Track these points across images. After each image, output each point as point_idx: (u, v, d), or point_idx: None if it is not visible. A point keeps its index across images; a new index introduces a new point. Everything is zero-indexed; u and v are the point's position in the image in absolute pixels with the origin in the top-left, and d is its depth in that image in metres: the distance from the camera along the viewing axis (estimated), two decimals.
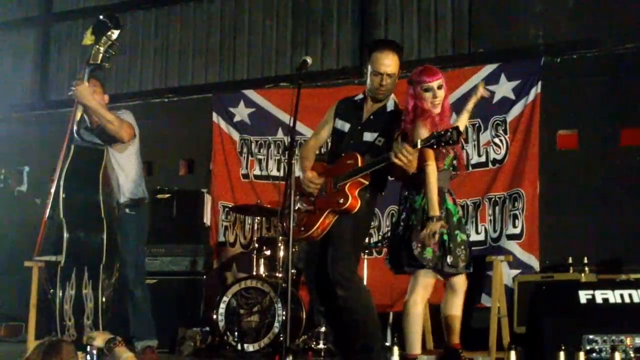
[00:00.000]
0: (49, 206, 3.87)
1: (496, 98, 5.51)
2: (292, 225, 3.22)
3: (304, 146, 3.83)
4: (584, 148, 5.38)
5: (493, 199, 5.45)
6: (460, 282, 3.59)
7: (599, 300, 3.57)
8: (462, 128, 3.73)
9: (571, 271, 4.79)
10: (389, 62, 3.45)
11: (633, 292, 3.55)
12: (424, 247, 3.37)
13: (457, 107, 4.99)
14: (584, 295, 3.59)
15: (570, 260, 4.88)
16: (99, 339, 2.91)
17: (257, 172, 6.33)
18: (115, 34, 3.97)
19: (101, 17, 4.04)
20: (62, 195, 3.78)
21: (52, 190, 3.87)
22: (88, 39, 4.01)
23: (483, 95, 3.87)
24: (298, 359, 4.21)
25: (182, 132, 6.75)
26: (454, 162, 3.57)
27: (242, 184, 6.35)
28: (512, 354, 2.96)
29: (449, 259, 3.38)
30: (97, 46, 3.97)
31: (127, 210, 4.23)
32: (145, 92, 7.09)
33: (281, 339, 4.51)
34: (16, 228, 6.82)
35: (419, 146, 3.22)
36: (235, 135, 6.44)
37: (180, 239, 5.63)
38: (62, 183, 3.80)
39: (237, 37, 6.79)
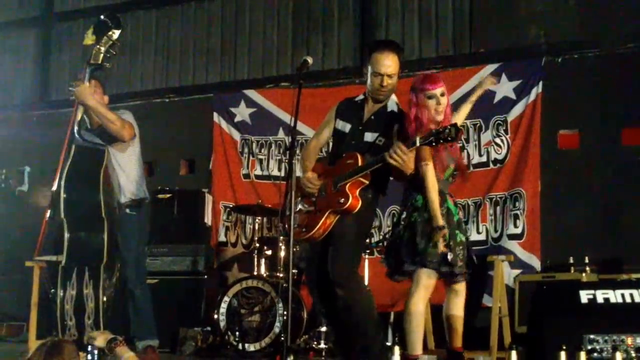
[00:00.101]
0: (50, 206, 3.88)
1: (497, 98, 5.51)
2: (293, 225, 3.22)
3: (305, 147, 3.83)
4: (585, 148, 5.38)
5: (494, 199, 5.44)
6: (460, 290, 3.59)
7: (600, 300, 3.56)
8: (462, 119, 3.73)
9: (572, 271, 4.79)
10: (389, 63, 3.45)
11: (634, 291, 3.55)
12: (427, 244, 3.37)
13: (457, 107, 5.00)
14: (585, 295, 3.59)
15: (571, 260, 4.88)
16: (100, 339, 2.91)
17: (258, 172, 6.33)
18: (116, 33, 3.97)
19: (102, 17, 4.05)
20: (62, 195, 3.78)
21: (53, 190, 3.88)
22: (89, 39, 4.01)
23: (491, 84, 3.85)
24: (299, 358, 4.21)
25: (183, 132, 6.75)
26: (455, 173, 3.57)
27: (243, 184, 6.35)
28: (513, 353, 2.95)
29: (449, 257, 3.38)
30: (98, 46, 3.97)
31: (128, 210, 4.23)
32: (146, 92, 7.09)
33: (282, 338, 4.51)
34: (17, 228, 6.84)
35: (417, 144, 3.22)
36: (236, 135, 6.44)
37: (181, 239, 5.63)
38: (63, 183, 3.81)
39: (238, 37, 6.79)
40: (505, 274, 4.92)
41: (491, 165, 5.51)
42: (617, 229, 5.12)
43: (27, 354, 4.29)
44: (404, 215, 3.54)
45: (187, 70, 6.99)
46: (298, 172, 3.62)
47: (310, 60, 3.47)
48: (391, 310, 5.25)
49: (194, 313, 5.37)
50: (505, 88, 5.48)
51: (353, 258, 3.49)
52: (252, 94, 6.45)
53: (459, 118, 3.71)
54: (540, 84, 5.38)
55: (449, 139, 3.15)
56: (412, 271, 3.48)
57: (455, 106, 3.88)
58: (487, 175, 5.48)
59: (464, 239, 3.51)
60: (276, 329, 4.72)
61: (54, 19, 7.74)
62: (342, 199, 3.37)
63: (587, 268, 4.72)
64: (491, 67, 5.57)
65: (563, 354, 2.90)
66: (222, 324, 4.84)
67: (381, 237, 5.51)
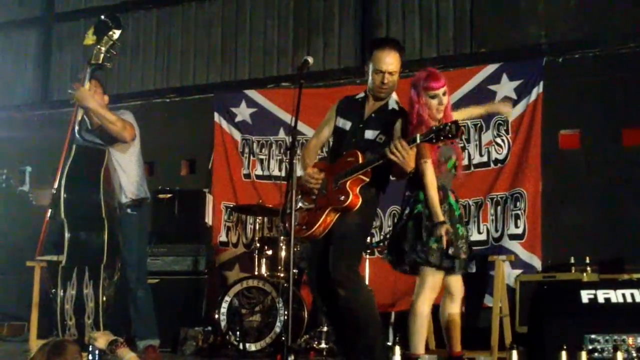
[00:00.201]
0: (51, 205, 3.88)
1: (498, 98, 5.49)
2: (294, 224, 3.22)
3: (305, 146, 3.83)
4: (586, 148, 5.37)
5: (495, 199, 5.44)
6: (458, 286, 3.59)
7: (601, 300, 3.56)
8: (460, 117, 3.71)
9: (573, 271, 4.78)
10: (390, 60, 3.45)
11: (635, 291, 3.55)
12: (428, 238, 3.38)
13: (458, 107, 4.99)
14: (586, 295, 3.59)
15: (572, 260, 4.88)
16: (101, 341, 2.91)
17: (258, 172, 6.33)
18: (116, 33, 3.98)
19: (102, 17, 4.05)
20: (63, 195, 3.78)
21: (54, 190, 3.88)
22: (89, 39, 4.02)
23: (505, 111, 3.83)
24: (300, 358, 4.21)
25: (183, 132, 6.75)
26: (457, 163, 3.57)
27: (243, 184, 6.35)
28: (514, 353, 2.95)
29: (450, 250, 3.38)
30: (99, 46, 3.97)
31: (128, 211, 4.24)
32: (147, 92, 7.09)
33: (283, 338, 4.51)
34: (18, 228, 6.83)
35: (418, 141, 3.22)
36: (237, 135, 6.44)
37: (182, 239, 5.63)
38: (63, 183, 3.81)
39: (239, 37, 6.79)
40: (507, 274, 4.92)
41: (492, 165, 5.50)
42: (617, 228, 5.12)
43: (29, 353, 4.31)
44: (407, 211, 3.53)
45: (187, 70, 6.99)
46: (299, 172, 3.62)
47: (311, 60, 3.47)
48: (392, 310, 5.25)
49: (195, 313, 5.37)
50: (506, 88, 5.48)
51: (354, 257, 3.49)
52: (252, 94, 6.45)
53: (457, 115, 3.69)
54: (541, 84, 5.37)
55: (450, 136, 3.15)
56: (413, 262, 3.47)
57: (455, 107, 3.87)
58: (487, 175, 5.48)
59: (465, 233, 3.52)
60: (277, 329, 4.72)
61: (54, 19, 7.74)
62: (343, 197, 3.37)
63: (588, 268, 4.72)
64: (492, 67, 5.56)
65: (564, 354, 2.90)
66: (223, 323, 4.84)
67: (382, 237, 5.51)
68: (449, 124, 3.15)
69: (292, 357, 3.07)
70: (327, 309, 3.68)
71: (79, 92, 3.96)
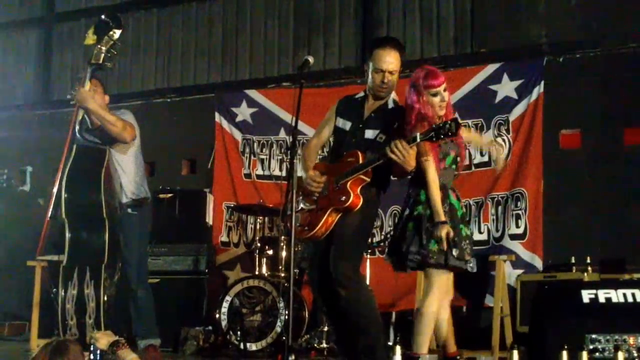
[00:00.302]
0: (51, 206, 3.88)
1: (499, 97, 5.50)
2: (295, 225, 3.22)
3: (305, 146, 3.82)
4: (587, 147, 5.37)
5: (496, 199, 5.44)
6: (450, 286, 3.59)
7: (601, 299, 3.55)
8: (465, 136, 3.70)
9: (574, 270, 4.78)
10: (390, 60, 3.44)
11: (636, 291, 3.54)
12: (428, 240, 3.37)
13: (459, 106, 5.00)
14: (586, 295, 3.58)
15: (573, 260, 4.87)
16: (102, 341, 2.91)
17: (259, 171, 6.33)
18: (117, 33, 3.97)
19: (103, 16, 4.05)
20: (64, 195, 3.78)
21: (55, 190, 3.88)
22: (90, 38, 4.02)
23: (496, 158, 3.78)
24: (300, 358, 4.21)
25: (184, 132, 6.75)
26: (457, 160, 3.57)
27: (244, 184, 6.35)
28: (515, 353, 2.95)
29: (455, 252, 3.38)
30: (99, 46, 3.97)
31: (129, 211, 4.23)
32: (148, 92, 7.09)
33: (284, 338, 4.51)
34: (19, 228, 6.84)
35: (418, 140, 3.22)
36: (238, 135, 6.44)
37: (182, 239, 5.64)
38: (64, 183, 3.81)
39: (239, 37, 6.79)
40: (508, 274, 4.92)
41: (493, 164, 5.49)
42: (618, 228, 5.12)
43: (30, 353, 4.31)
44: (407, 212, 3.53)
45: (188, 70, 6.99)
46: (299, 172, 3.61)
47: (311, 59, 3.47)
48: (393, 310, 5.25)
49: (196, 312, 5.37)
50: (506, 88, 5.48)
51: (355, 257, 3.48)
52: (253, 93, 6.45)
53: (466, 134, 3.66)
54: (542, 83, 5.37)
55: (450, 133, 3.15)
56: (415, 265, 3.47)
57: (455, 107, 3.87)
58: (488, 175, 5.47)
59: (469, 233, 3.51)
60: (278, 329, 4.72)
61: (55, 19, 7.75)
62: (344, 197, 3.37)
63: (589, 267, 4.71)
64: (492, 67, 5.56)
65: (565, 354, 2.89)
66: (224, 323, 4.84)
67: (382, 237, 5.51)
68: (449, 122, 3.15)
69: (293, 356, 3.07)
70: (327, 309, 3.68)
71: (79, 93, 3.95)
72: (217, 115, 6.52)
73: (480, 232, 5.42)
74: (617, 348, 3.05)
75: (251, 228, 6.20)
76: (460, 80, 5.59)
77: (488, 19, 5.81)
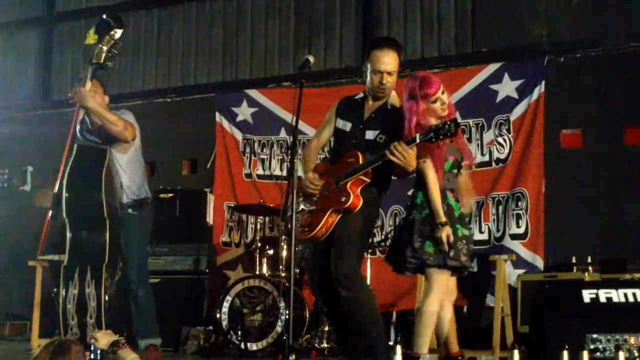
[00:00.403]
0: (52, 205, 3.88)
1: (499, 97, 5.50)
2: (296, 225, 3.22)
3: (306, 147, 3.82)
4: (588, 147, 5.37)
5: (496, 199, 5.44)
6: (451, 286, 3.58)
7: (602, 299, 3.55)
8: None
9: (575, 270, 4.78)
10: (389, 60, 3.44)
11: (637, 291, 3.54)
12: (423, 242, 3.38)
13: (459, 106, 4.99)
14: (587, 295, 3.58)
15: (573, 260, 4.87)
16: (103, 341, 2.91)
17: (260, 171, 6.33)
18: (118, 33, 3.97)
19: (104, 16, 4.05)
20: (65, 194, 3.78)
21: (56, 190, 3.88)
22: (91, 38, 4.01)
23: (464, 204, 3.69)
24: (301, 358, 4.21)
25: (185, 131, 6.75)
26: (461, 165, 3.56)
27: (244, 184, 6.35)
28: (516, 353, 2.94)
29: (451, 252, 3.38)
30: (100, 45, 3.97)
31: (130, 211, 4.24)
32: (148, 92, 7.09)
33: (284, 338, 4.51)
34: (20, 227, 6.84)
35: (417, 140, 3.22)
36: (238, 135, 6.44)
37: (183, 239, 5.64)
38: (65, 182, 3.81)
39: (240, 37, 6.79)
40: (508, 273, 4.92)
41: (493, 164, 5.50)
42: (619, 228, 5.11)
43: (31, 352, 4.31)
44: (404, 215, 3.55)
45: (188, 70, 6.99)
46: (300, 172, 3.61)
47: (312, 59, 3.47)
48: (393, 310, 5.25)
49: (197, 312, 5.38)
50: (507, 87, 5.47)
51: (356, 258, 3.48)
52: (254, 93, 6.45)
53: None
54: (543, 83, 5.37)
55: (449, 134, 3.15)
56: (414, 268, 3.48)
57: (457, 106, 3.87)
58: (489, 174, 5.47)
59: (467, 233, 3.50)
60: (278, 329, 4.72)
61: (55, 19, 7.74)
62: (344, 198, 3.37)
63: (590, 267, 4.71)
64: (493, 67, 5.56)
65: (565, 354, 2.89)
66: (225, 323, 4.84)
67: (383, 236, 5.51)
68: (448, 122, 3.16)
69: (294, 356, 3.07)
70: (328, 309, 3.68)
71: (79, 93, 3.95)
72: (217, 115, 6.52)
73: (481, 232, 5.42)
74: (618, 348, 3.05)
75: (252, 228, 6.20)
76: (461, 80, 5.59)
77: (489, 18, 5.81)
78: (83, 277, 3.74)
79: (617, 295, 3.55)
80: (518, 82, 5.45)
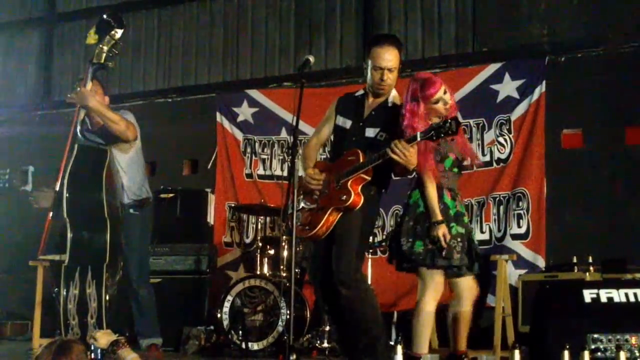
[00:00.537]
0: (53, 206, 3.88)
1: (500, 97, 5.50)
2: (296, 224, 3.22)
3: (305, 145, 3.81)
4: (589, 147, 5.37)
5: (497, 199, 5.44)
6: (464, 286, 3.56)
7: (603, 299, 3.55)
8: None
9: (575, 270, 4.77)
10: (389, 57, 3.42)
11: (638, 291, 3.53)
12: (413, 242, 3.38)
13: (460, 106, 4.98)
14: (588, 295, 3.58)
15: (574, 260, 4.87)
16: (102, 340, 2.91)
17: (260, 171, 6.34)
18: (118, 33, 3.97)
19: (104, 16, 4.05)
20: (66, 194, 3.79)
21: (56, 189, 3.88)
22: (92, 37, 4.02)
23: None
24: (302, 358, 4.21)
25: (185, 132, 6.75)
26: (462, 164, 3.56)
27: (245, 184, 6.35)
28: (517, 353, 2.94)
29: (443, 252, 3.38)
30: (101, 45, 3.97)
31: (131, 211, 4.24)
32: (149, 92, 7.10)
33: (285, 338, 4.51)
34: (21, 227, 6.85)
35: (418, 139, 3.21)
36: (239, 135, 6.45)
37: (184, 238, 5.64)
38: (65, 182, 3.81)
39: (240, 37, 6.79)
40: (509, 273, 4.91)
41: (494, 164, 5.50)
42: (620, 228, 5.11)
43: (33, 352, 4.32)
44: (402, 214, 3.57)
45: (189, 70, 6.99)
46: (300, 171, 3.61)
47: (312, 59, 3.46)
48: (394, 309, 5.25)
49: (198, 312, 5.37)
50: (508, 87, 5.48)
51: (356, 257, 3.47)
52: (254, 93, 6.45)
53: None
54: (544, 83, 5.36)
55: (449, 132, 3.15)
56: (407, 268, 3.49)
57: (458, 106, 3.86)
58: (490, 174, 5.47)
59: (462, 231, 3.48)
60: (279, 328, 4.71)
61: (56, 19, 7.75)
62: (344, 196, 3.36)
63: (591, 267, 4.71)
64: (494, 67, 5.56)
65: (566, 354, 2.89)
66: (226, 323, 4.84)
67: (384, 236, 5.51)
68: (449, 120, 3.15)
69: (295, 356, 3.07)
70: (329, 308, 3.68)
71: (80, 93, 3.96)
72: (218, 115, 6.52)
73: (482, 232, 5.42)
74: (619, 348, 3.05)
75: (252, 228, 6.20)
76: (462, 80, 5.59)
77: (489, 18, 5.81)
78: (84, 277, 3.74)
79: (618, 295, 3.55)
80: (519, 82, 5.45)
